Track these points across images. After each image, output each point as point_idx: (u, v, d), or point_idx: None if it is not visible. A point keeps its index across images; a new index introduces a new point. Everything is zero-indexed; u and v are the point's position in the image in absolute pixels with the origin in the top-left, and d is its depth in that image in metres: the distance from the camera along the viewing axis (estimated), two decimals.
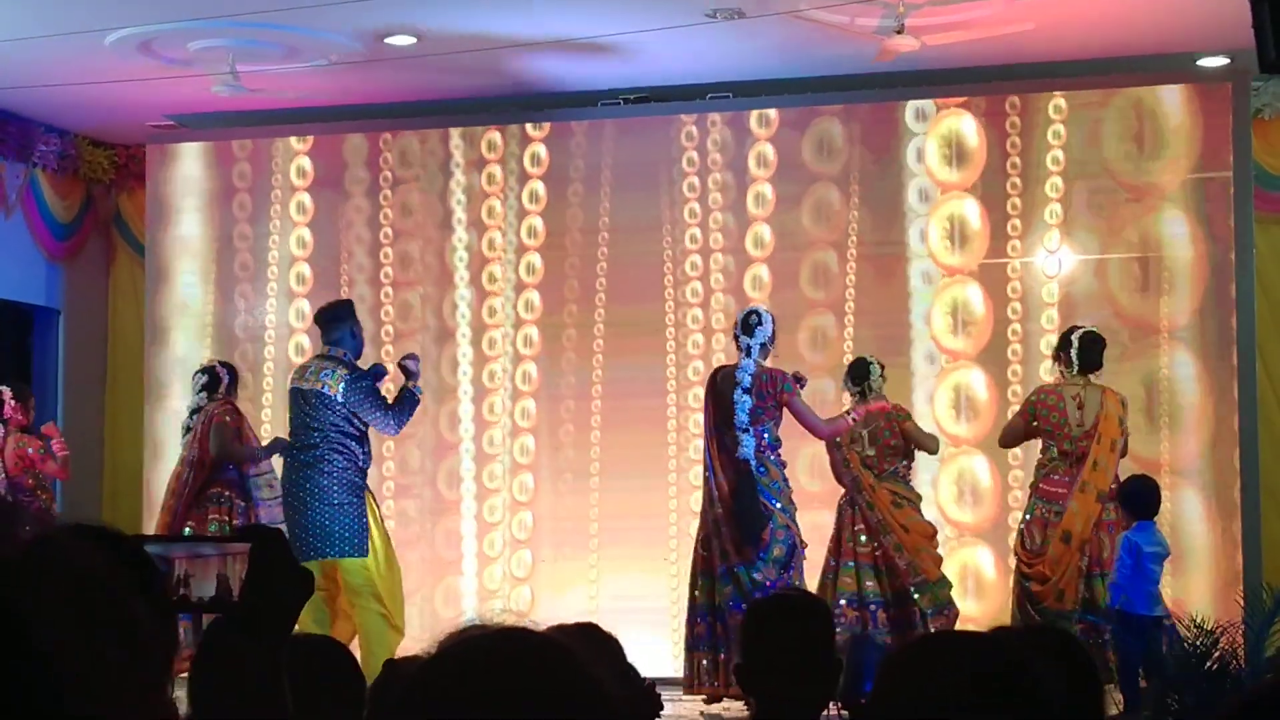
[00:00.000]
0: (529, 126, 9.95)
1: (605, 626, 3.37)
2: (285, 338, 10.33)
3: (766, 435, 8.00)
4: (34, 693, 1.15)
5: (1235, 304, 8.93)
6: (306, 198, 10.34)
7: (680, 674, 8.12)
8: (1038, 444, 8.34)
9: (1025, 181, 9.31)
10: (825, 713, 3.61)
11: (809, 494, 8.86)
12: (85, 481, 10.85)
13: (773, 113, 9.67)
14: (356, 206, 10.23)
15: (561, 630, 2.68)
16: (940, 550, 8.55)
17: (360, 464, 7.99)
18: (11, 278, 10.64)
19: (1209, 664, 7.30)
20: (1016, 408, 8.65)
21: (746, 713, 7.57)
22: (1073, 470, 8.12)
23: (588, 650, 1.41)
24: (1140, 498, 7.65)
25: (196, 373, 9.08)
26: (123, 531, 1.82)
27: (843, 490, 8.47)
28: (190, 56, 9.06)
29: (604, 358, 9.83)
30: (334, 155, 10.25)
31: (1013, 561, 8.49)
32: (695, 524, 8.36)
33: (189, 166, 10.51)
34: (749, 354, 8.01)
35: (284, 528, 7.58)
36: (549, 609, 9.31)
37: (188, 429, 8.84)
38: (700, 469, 8.29)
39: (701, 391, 8.57)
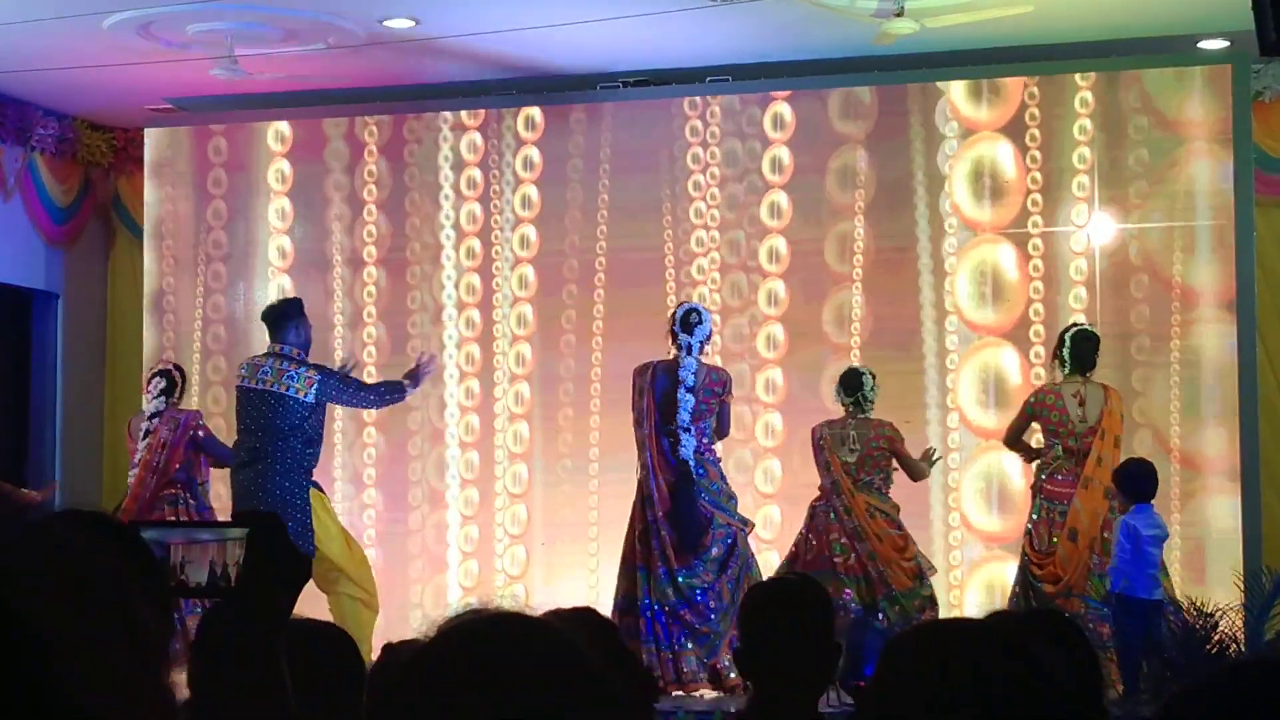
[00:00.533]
0: (530, 111, 9.91)
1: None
2: None
3: (705, 434, 8.01)
4: (33, 682, 1.14)
5: (1235, 287, 8.92)
6: (287, 166, 10.30)
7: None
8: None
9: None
10: (824, 697, 3.61)
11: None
12: (84, 466, 10.85)
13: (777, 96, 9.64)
14: (336, 183, 10.20)
15: (558, 615, 2.69)
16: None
17: (307, 465, 8.12)
18: (10, 262, 10.62)
19: (1209, 647, 7.31)
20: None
21: (698, 701, 7.62)
22: (1076, 468, 8.10)
23: (584, 634, 1.41)
24: (1137, 480, 7.59)
25: (153, 376, 8.99)
26: (119, 518, 1.82)
27: (818, 494, 8.40)
28: (188, 39, 9.05)
29: (603, 340, 9.80)
30: (317, 136, 10.22)
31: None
32: None
33: (187, 149, 10.49)
34: (689, 351, 8.00)
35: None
36: (546, 597, 9.28)
37: (147, 432, 8.74)
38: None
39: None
